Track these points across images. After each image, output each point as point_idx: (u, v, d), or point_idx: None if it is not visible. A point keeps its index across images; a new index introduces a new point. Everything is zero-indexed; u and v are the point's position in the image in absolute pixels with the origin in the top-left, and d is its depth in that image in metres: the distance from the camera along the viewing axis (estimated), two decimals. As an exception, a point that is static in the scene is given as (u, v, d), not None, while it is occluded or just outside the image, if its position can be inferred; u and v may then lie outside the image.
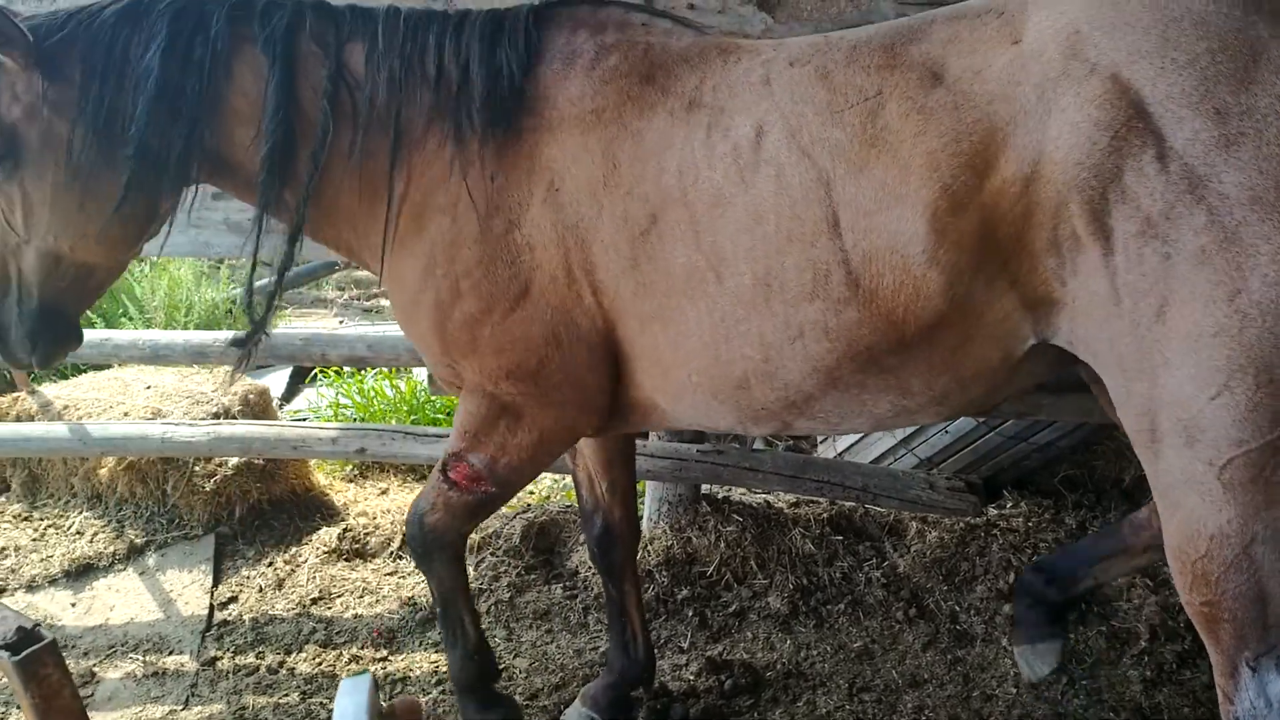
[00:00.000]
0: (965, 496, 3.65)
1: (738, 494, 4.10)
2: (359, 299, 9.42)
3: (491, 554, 3.85)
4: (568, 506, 4.15)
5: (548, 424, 2.17)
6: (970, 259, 1.72)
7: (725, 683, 3.04)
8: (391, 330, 4.69)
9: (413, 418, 5.01)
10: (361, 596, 3.69)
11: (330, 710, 3.05)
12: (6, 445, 3.90)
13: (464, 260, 2.02)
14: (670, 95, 1.95)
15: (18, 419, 4.26)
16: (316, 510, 4.29)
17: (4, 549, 3.96)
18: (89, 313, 4.05)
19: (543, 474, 3.55)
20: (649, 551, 3.67)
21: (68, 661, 3.26)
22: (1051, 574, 2.54)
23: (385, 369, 5.21)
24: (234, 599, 3.71)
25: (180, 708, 3.11)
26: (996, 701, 2.97)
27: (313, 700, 3.11)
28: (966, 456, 3.99)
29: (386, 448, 3.73)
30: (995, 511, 3.98)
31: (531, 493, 4.60)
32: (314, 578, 3.80)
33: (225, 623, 3.56)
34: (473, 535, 3.93)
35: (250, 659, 3.34)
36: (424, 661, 3.29)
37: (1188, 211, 1.50)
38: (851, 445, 4.30)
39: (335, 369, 5.48)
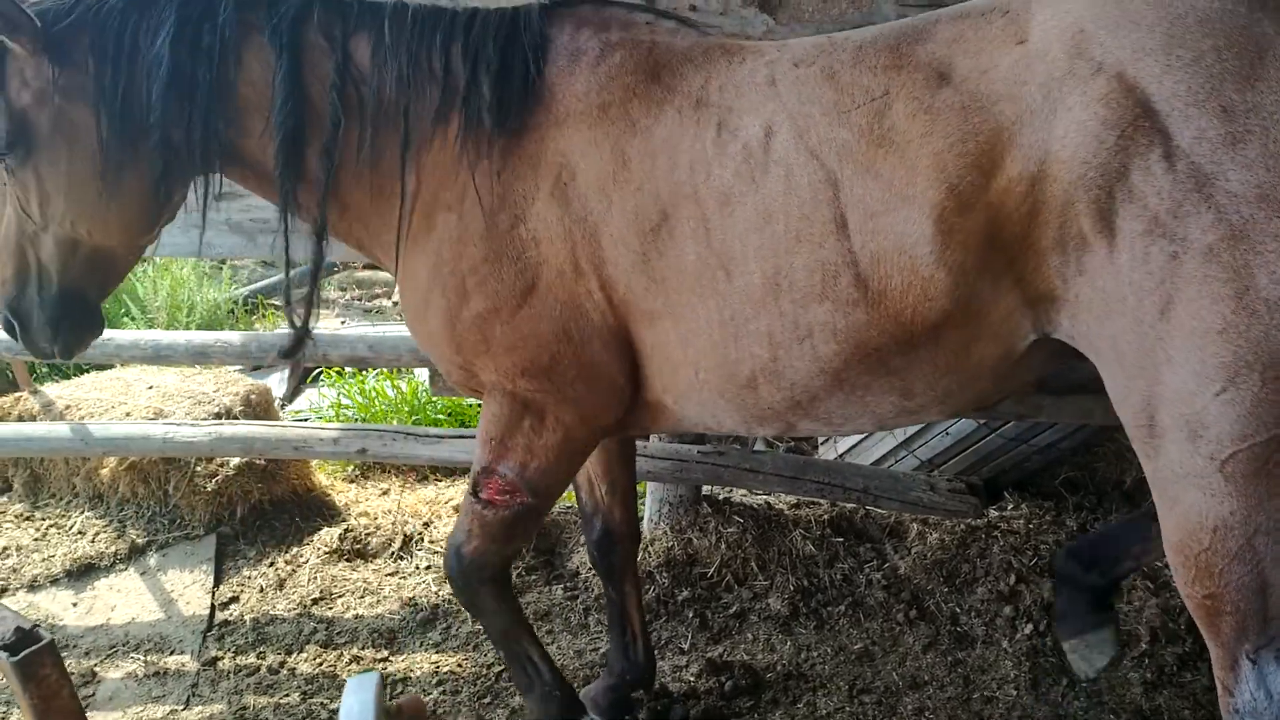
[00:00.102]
0: (966, 498, 3.65)
1: (738, 495, 4.10)
2: (360, 299, 9.42)
3: (492, 555, 3.85)
4: (568, 507, 4.15)
5: (571, 421, 2.15)
6: (977, 258, 1.72)
7: (725, 684, 3.04)
8: (392, 331, 4.69)
9: (414, 418, 5.00)
10: (362, 597, 3.69)
11: (331, 710, 3.06)
12: (9, 445, 3.90)
13: (470, 257, 2.02)
14: (677, 94, 1.95)
15: (20, 419, 4.26)
16: (318, 510, 4.29)
17: (6, 549, 3.96)
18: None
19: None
20: (650, 553, 3.67)
21: (69, 661, 3.29)
22: (1090, 558, 2.48)
23: (386, 369, 5.21)
24: (235, 599, 3.71)
25: (181, 708, 3.11)
26: (997, 704, 2.97)
27: (313, 700, 3.11)
28: (968, 458, 3.99)
29: (388, 448, 3.73)
30: (996, 513, 3.98)
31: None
32: (315, 578, 3.80)
33: (226, 623, 3.56)
34: (474, 536, 3.94)
35: (251, 659, 3.35)
36: (424, 662, 3.29)
37: (1195, 210, 1.51)
38: (852, 447, 4.30)
39: (336, 369, 5.49)
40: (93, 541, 3.99)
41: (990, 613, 3.38)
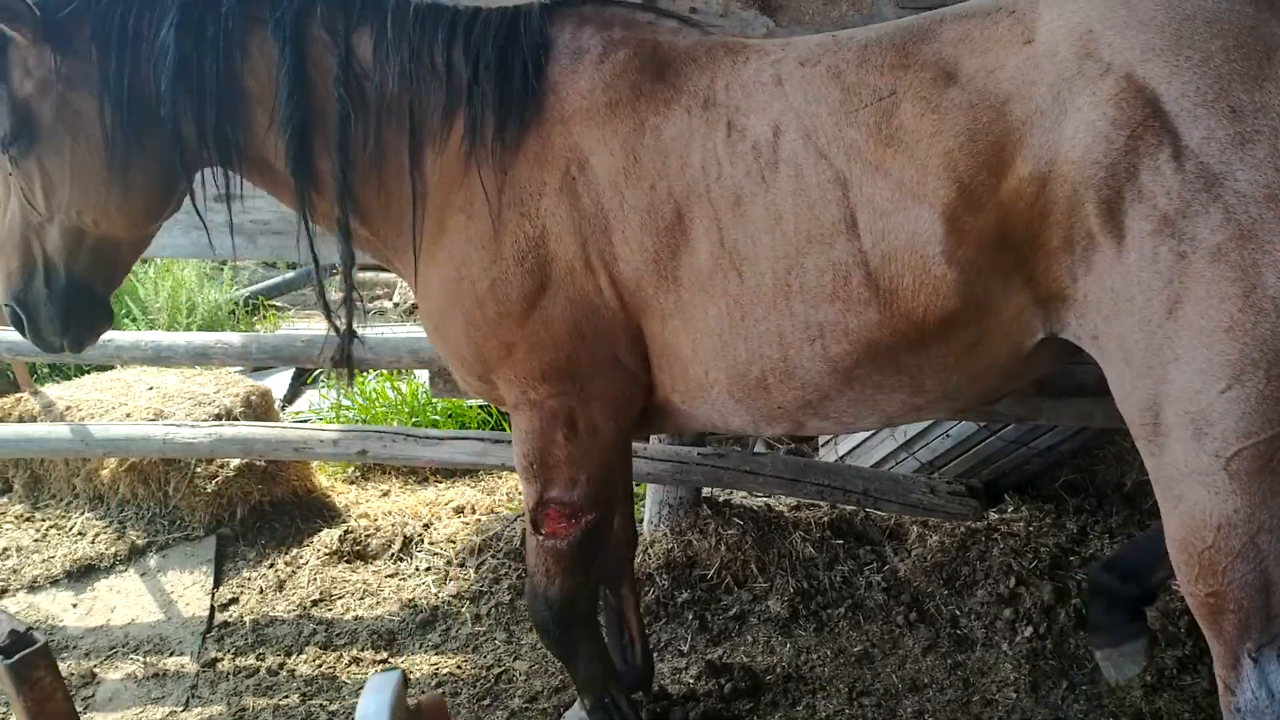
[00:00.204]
0: (966, 501, 3.65)
1: (738, 497, 4.10)
2: (360, 300, 9.40)
3: (492, 556, 3.85)
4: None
5: (599, 419, 2.13)
6: (988, 258, 1.73)
7: (725, 686, 3.04)
8: (392, 332, 4.69)
9: (414, 420, 5.00)
10: (362, 598, 3.69)
11: (331, 712, 3.06)
12: (9, 446, 3.90)
13: (481, 260, 2.02)
14: (684, 93, 1.95)
15: (20, 420, 4.26)
16: (318, 512, 4.29)
17: (6, 549, 3.96)
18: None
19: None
20: (649, 554, 3.67)
21: (69, 662, 3.29)
22: (1126, 570, 2.49)
23: (387, 371, 5.21)
24: (235, 600, 3.71)
25: (180, 709, 3.10)
26: (997, 706, 2.97)
27: (313, 702, 3.11)
28: (967, 460, 3.98)
29: (388, 450, 3.73)
30: (996, 516, 3.97)
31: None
32: (315, 579, 3.80)
33: (226, 624, 3.56)
34: (474, 537, 3.94)
35: (251, 660, 3.34)
36: (424, 663, 3.29)
37: (1204, 209, 1.52)
38: (853, 449, 4.30)
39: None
40: (93, 542, 3.99)
41: (990, 615, 3.38)
